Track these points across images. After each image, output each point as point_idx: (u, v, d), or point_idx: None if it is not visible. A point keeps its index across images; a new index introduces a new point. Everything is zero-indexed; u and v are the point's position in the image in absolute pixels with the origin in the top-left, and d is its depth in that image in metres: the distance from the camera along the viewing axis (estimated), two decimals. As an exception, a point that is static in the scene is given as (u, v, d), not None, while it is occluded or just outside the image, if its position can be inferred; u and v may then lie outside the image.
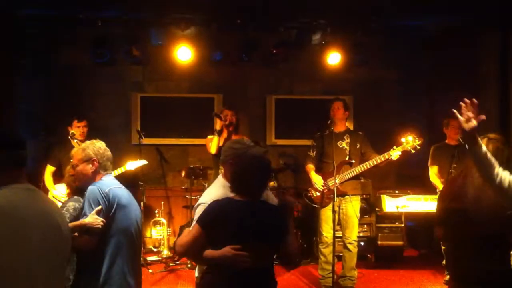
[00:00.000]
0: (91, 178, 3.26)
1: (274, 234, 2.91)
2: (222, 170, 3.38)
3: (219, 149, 5.31)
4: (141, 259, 3.41)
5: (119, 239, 3.10)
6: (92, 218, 3.00)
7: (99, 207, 3.04)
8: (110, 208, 3.08)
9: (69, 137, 5.90)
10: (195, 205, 3.21)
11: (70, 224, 2.90)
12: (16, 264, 2.10)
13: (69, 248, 2.41)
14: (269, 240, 2.88)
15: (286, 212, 3.08)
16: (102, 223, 3.01)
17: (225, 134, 5.58)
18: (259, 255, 2.82)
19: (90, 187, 3.14)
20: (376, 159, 5.43)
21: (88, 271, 3.09)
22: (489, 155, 2.75)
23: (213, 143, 5.54)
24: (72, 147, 5.39)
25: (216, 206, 2.90)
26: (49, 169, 5.97)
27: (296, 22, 7.12)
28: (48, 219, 2.29)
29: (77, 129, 5.97)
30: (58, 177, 5.93)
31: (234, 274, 2.80)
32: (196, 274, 3.40)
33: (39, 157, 6.47)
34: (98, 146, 3.32)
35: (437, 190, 6.10)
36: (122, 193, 3.20)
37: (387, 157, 5.38)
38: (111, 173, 3.34)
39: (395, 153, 5.35)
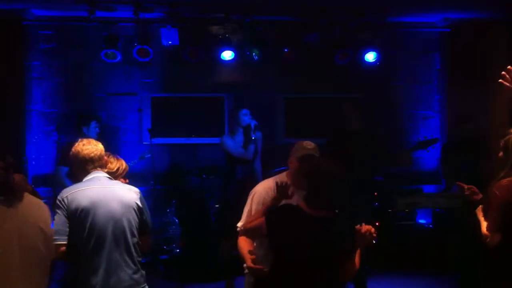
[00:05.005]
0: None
1: (335, 259, 2.83)
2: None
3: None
4: (130, 252, 3.14)
5: (85, 241, 3.02)
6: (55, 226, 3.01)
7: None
8: (69, 213, 3.02)
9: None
10: (251, 192, 3.45)
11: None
12: None
13: None
14: (326, 264, 2.82)
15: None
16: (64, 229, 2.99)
17: None
18: (309, 277, 2.79)
19: None
20: (389, 158, 5.44)
21: (67, 276, 3.13)
22: None
23: None
24: None
25: (285, 212, 2.92)
26: (63, 170, 5.93)
27: (305, 21, 7.10)
28: None
29: (93, 130, 6.03)
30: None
31: None
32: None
33: (52, 158, 6.51)
34: (73, 149, 3.26)
35: (453, 187, 6.07)
36: (86, 194, 3.06)
37: (397, 157, 5.40)
38: (94, 171, 3.20)
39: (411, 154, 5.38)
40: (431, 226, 7.48)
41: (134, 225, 3.16)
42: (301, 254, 2.79)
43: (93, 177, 3.18)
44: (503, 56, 7.11)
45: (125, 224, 3.11)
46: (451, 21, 7.40)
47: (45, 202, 5.85)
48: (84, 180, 3.18)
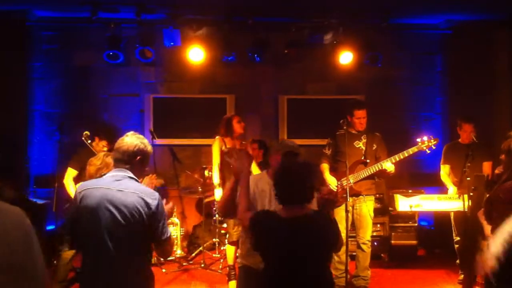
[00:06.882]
0: None
1: (317, 254, 2.86)
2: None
3: None
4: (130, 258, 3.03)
5: (86, 238, 3.00)
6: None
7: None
8: (77, 208, 3.02)
9: (88, 141, 5.81)
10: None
11: None
12: None
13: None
14: (309, 261, 2.82)
15: (332, 225, 2.96)
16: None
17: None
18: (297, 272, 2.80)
19: None
20: (391, 159, 5.44)
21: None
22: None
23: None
24: (91, 151, 5.50)
25: (264, 221, 2.89)
26: (71, 173, 5.82)
27: (307, 22, 7.11)
28: None
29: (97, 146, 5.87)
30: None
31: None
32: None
33: (54, 158, 6.53)
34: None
35: (449, 188, 6.06)
36: (94, 194, 2.96)
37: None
38: (117, 168, 3.07)
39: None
40: (432, 228, 7.49)
41: (137, 230, 2.96)
42: (287, 259, 2.80)
43: (112, 175, 3.06)
44: (504, 58, 7.11)
45: (127, 229, 2.95)
46: (453, 23, 7.40)
47: (46, 203, 5.95)
48: (106, 175, 3.14)
